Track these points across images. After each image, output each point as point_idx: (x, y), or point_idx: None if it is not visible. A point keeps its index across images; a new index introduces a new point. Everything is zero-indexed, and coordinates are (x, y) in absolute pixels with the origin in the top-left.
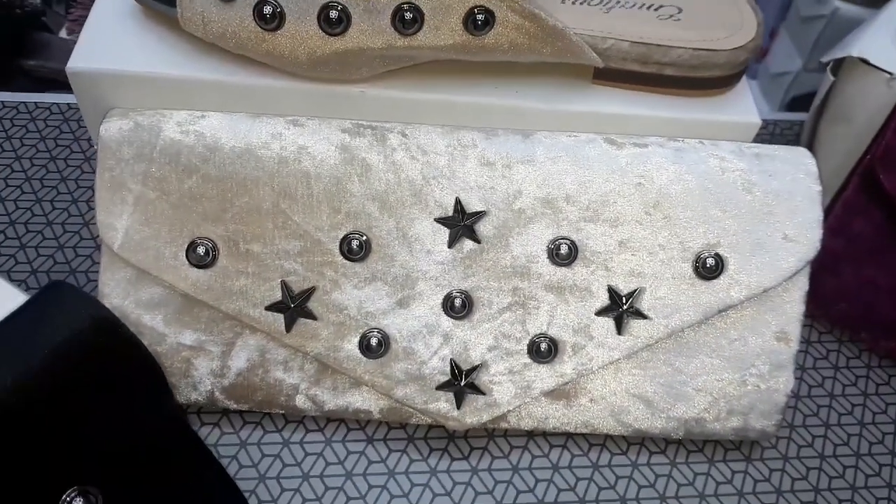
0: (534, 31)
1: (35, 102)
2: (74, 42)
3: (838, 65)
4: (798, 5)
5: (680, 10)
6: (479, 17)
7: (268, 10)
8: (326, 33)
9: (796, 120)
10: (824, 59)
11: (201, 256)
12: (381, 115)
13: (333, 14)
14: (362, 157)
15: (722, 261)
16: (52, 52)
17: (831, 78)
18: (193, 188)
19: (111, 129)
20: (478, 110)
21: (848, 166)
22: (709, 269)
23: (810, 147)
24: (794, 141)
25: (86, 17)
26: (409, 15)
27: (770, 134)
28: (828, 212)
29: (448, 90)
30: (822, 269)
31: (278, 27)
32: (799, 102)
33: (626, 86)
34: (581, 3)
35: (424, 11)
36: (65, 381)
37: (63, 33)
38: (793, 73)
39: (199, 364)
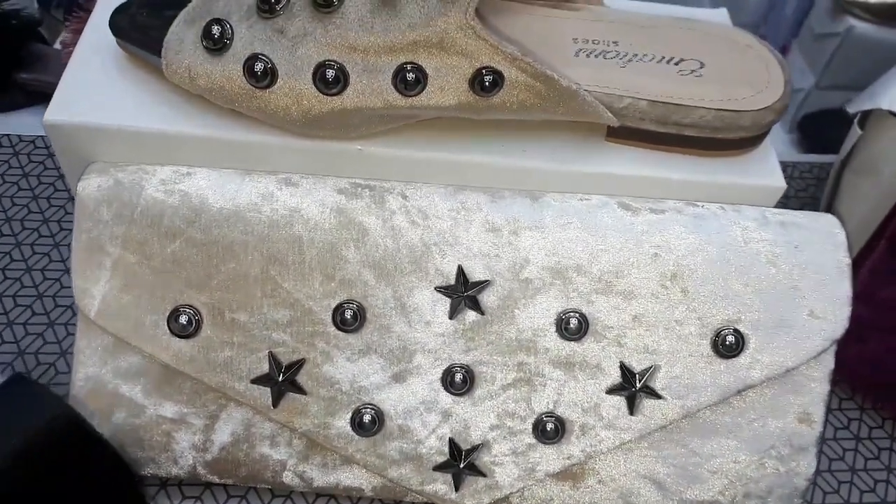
0: (545, 92)
1: (19, 136)
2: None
3: (866, 115)
4: (811, 22)
5: (702, 65)
6: (487, 78)
7: (259, 66)
8: (322, 93)
9: (816, 162)
10: (851, 110)
11: (184, 326)
12: (380, 172)
13: (330, 73)
14: (359, 220)
15: (742, 338)
16: (48, 64)
17: (858, 131)
18: (177, 252)
19: (89, 188)
20: (483, 170)
21: (874, 220)
22: (728, 346)
23: (833, 197)
24: (815, 184)
25: (83, 29)
26: (411, 76)
27: (789, 177)
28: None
29: (451, 148)
30: (846, 335)
31: (270, 84)
32: (810, 121)
33: (643, 145)
34: (596, 56)
35: (428, 72)
36: (25, 484)
37: (58, 45)
38: (805, 90)
39: (181, 437)
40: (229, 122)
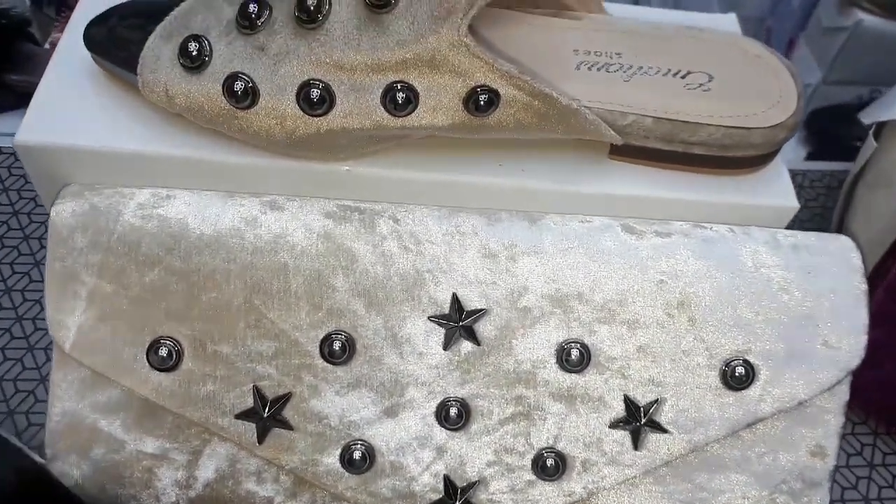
0: (544, 111)
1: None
2: None
3: (881, 126)
4: (819, 15)
5: (710, 78)
6: (482, 97)
7: (239, 86)
8: (307, 113)
9: (826, 170)
10: (866, 121)
11: (164, 358)
12: (370, 193)
13: (314, 93)
14: (348, 246)
15: (753, 370)
16: (38, 65)
17: (874, 143)
18: (155, 281)
19: (63, 213)
20: (479, 191)
21: (889, 237)
22: (738, 378)
23: (845, 211)
24: (825, 193)
25: None
26: (401, 96)
27: (798, 186)
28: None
29: (445, 168)
30: None
31: (252, 104)
32: (818, 117)
33: (647, 163)
34: (598, 69)
35: (419, 91)
36: None
37: (48, 45)
38: (812, 85)
39: (163, 474)
40: (211, 142)
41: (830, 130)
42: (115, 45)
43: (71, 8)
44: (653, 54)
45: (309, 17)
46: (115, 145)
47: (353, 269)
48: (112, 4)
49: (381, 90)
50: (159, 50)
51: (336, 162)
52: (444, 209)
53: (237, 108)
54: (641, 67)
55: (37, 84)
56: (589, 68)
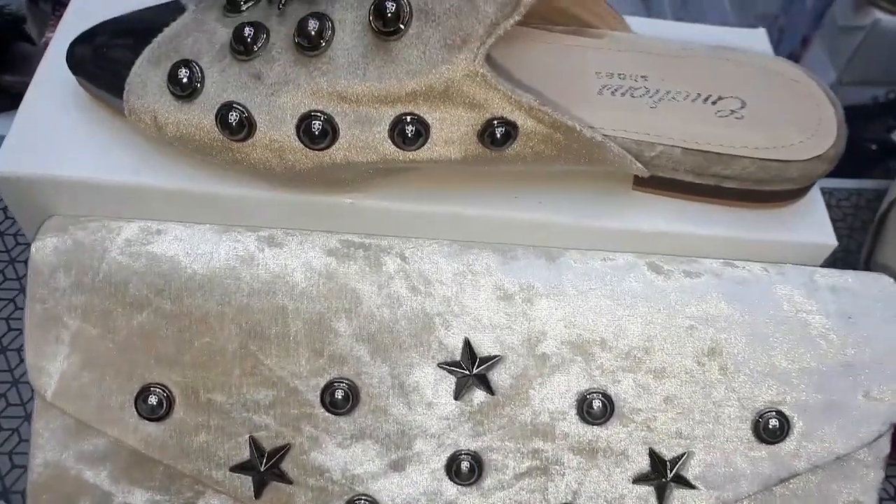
0: (565, 143)
1: None
2: None
3: None
4: (834, 13)
5: (742, 104)
6: (499, 129)
7: (233, 116)
8: (307, 146)
9: (853, 188)
10: None
11: (154, 407)
12: (375, 227)
13: (316, 126)
14: (351, 287)
15: (787, 422)
16: (32, 65)
17: None
18: (144, 325)
19: (44, 250)
20: (493, 225)
21: None
22: (771, 431)
23: (876, 242)
24: (852, 213)
25: None
26: (411, 129)
27: (826, 205)
28: None
29: (456, 201)
30: None
31: (247, 136)
32: None
33: (675, 195)
34: (622, 94)
35: (430, 123)
36: None
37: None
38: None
39: None
40: (204, 172)
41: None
42: (100, 67)
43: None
44: (681, 78)
45: (310, 44)
46: (101, 176)
47: (357, 311)
48: (99, 20)
49: (388, 122)
50: (147, 75)
51: (339, 194)
52: (455, 245)
53: (232, 139)
54: (669, 92)
55: None
56: (612, 93)
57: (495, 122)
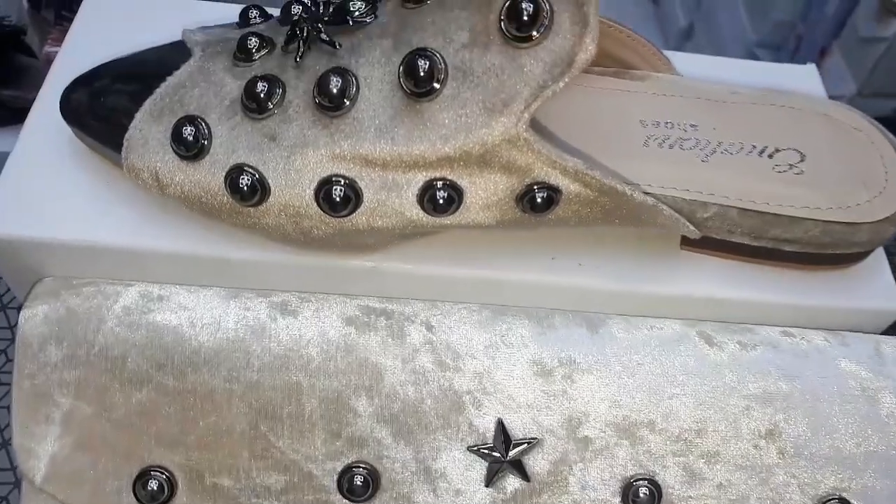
0: (611, 206)
1: None
2: None
3: None
4: (856, 23)
5: (802, 157)
6: (540, 194)
7: (245, 180)
8: (327, 213)
9: None
10: None
11: (154, 493)
12: (399, 290)
13: (337, 191)
14: (373, 361)
15: None
16: (32, 78)
17: None
18: (144, 402)
19: (34, 319)
20: (528, 289)
21: None
22: None
23: None
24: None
25: None
26: (442, 194)
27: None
28: None
29: (488, 263)
30: None
31: (260, 201)
32: None
33: (727, 255)
34: (671, 146)
35: (464, 188)
36: None
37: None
38: (846, 96)
39: None
40: (211, 233)
41: None
42: (97, 117)
43: (72, 14)
44: (733, 127)
45: (332, 103)
46: (97, 237)
47: (379, 389)
48: (97, 59)
49: (418, 188)
50: (148, 130)
51: (359, 257)
52: (487, 311)
53: (243, 204)
54: (721, 143)
55: (31, 99)
56: (660, 144)
57: (536, 186)
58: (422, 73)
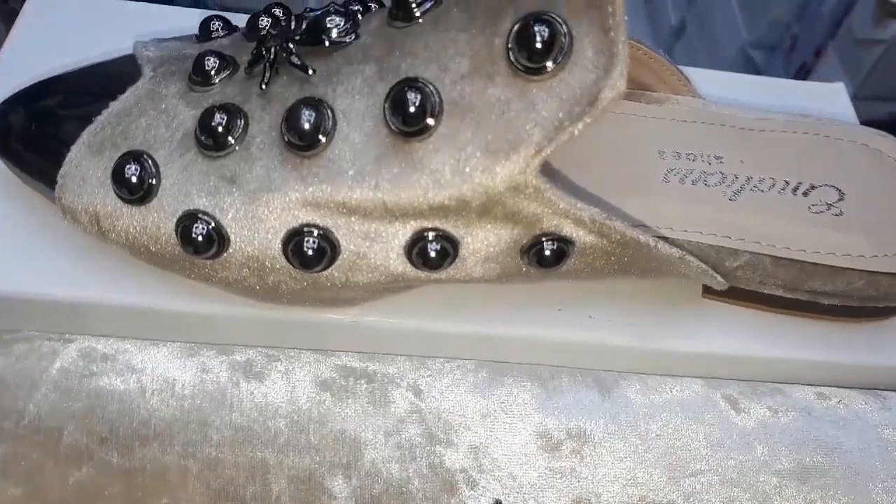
0: (630, 259)
1: None
2: None
3: None
4: (852, 25)
5: (840, 196)
6: (549, 246)
7: (199, 229)
8: (297, 268)
9: None
10: None
11: None
12: (382, 345)
13: (310, 243)
14: (351, 434)
15: None
16: None
17: None
18: (84, 483)
19: None
20: (531, 346)
21: None
22: None
23: None
24: None
25: None
26: (435, 247)
27: None
28: None
29: (485, 317)
30: None
31: (218, 253)
32: None
33: (756, 306)
34: (693, 182)
35: (459, 240)
36: None
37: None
38: None
39: None
40: (164, 283)
41: None
42: (30, 146)
43: None
44: (762, 159)
45: (303, 141)
46: (29, 288)
47: (358, 467)
48: (33, 75)
49: (405, 239)
50: (86, 167)
51: (336, 311)
52: (484, 370)
53: (197, 257)
54: (750, 179)
55: None
56: (681, 179)
57: (545, 238)
58: (412, 109)
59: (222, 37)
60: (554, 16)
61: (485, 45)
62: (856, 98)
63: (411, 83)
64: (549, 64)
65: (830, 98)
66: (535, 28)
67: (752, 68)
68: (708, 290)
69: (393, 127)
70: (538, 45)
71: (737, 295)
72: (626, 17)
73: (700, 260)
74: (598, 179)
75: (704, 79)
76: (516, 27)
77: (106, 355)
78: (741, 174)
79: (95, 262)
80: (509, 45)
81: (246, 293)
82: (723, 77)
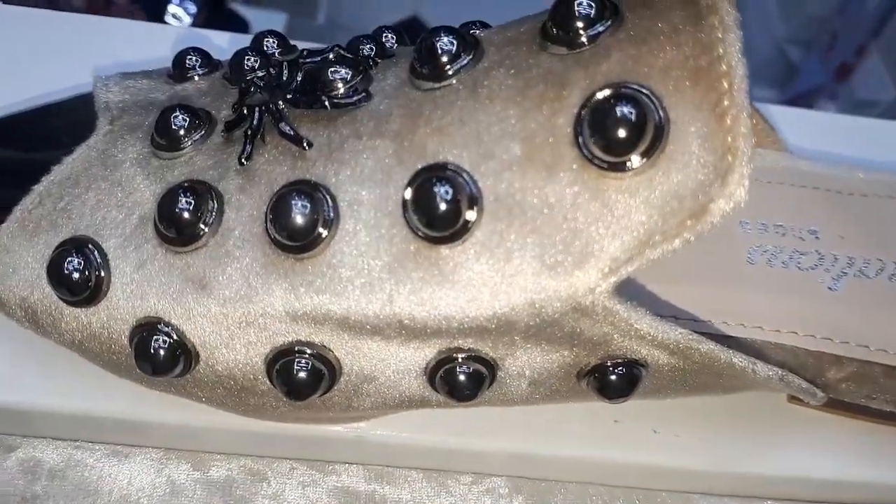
0: (712, 379)
1: None
2: None
3: None
4: None
5: None
6: (618, 371)
7: (159, 343)
8: (285, 394)
9: None
10: None
11: None
12: (391, 458)
13: (301, 365)
14: None
15: None
16: None
17: None
18: None
19: None
20: (579, 467)
21: None
22: None
23: None
24: None
25: None
26: (465, 370)
27: None
28: None
29: (517, 433)
30: None
31: (185, 371)
32: None
33: (855, 416)
34: (784, 264)
35: (498, 363)
36: None
37: None
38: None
39: None
40: (124, 387)
41: None
42: None
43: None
44: (866, 234)
45: (294, 241)
46: None
47: None
48: None
49: (426, 361)
50: (17, 254)
51: (336, 425)
52: (521, 495)
53: (158, 375)
54: (852, 262)
55: None
56: (769, 262)
57: (610, 363)
58: (442, 207)
59: (201, 75)
60: (643, 89)
61: (544, 125)
62: None
63: (440, 172)
64: (636, 158)
65: None
66: (617, 108)
67: (787, 65)
68: (794, 397)
69: (415, 228)
70: (621, 134)
71: (834, 404)
72: (748, 94)
73: (796, 369)
74: (662, 262)
75: (780, 118)
76: (589, 103)
77: (53, 471)
78: (841, 255)
79: (41, 358)
80: (579, 131)
81: (225, 409)
82: (791, 115)
